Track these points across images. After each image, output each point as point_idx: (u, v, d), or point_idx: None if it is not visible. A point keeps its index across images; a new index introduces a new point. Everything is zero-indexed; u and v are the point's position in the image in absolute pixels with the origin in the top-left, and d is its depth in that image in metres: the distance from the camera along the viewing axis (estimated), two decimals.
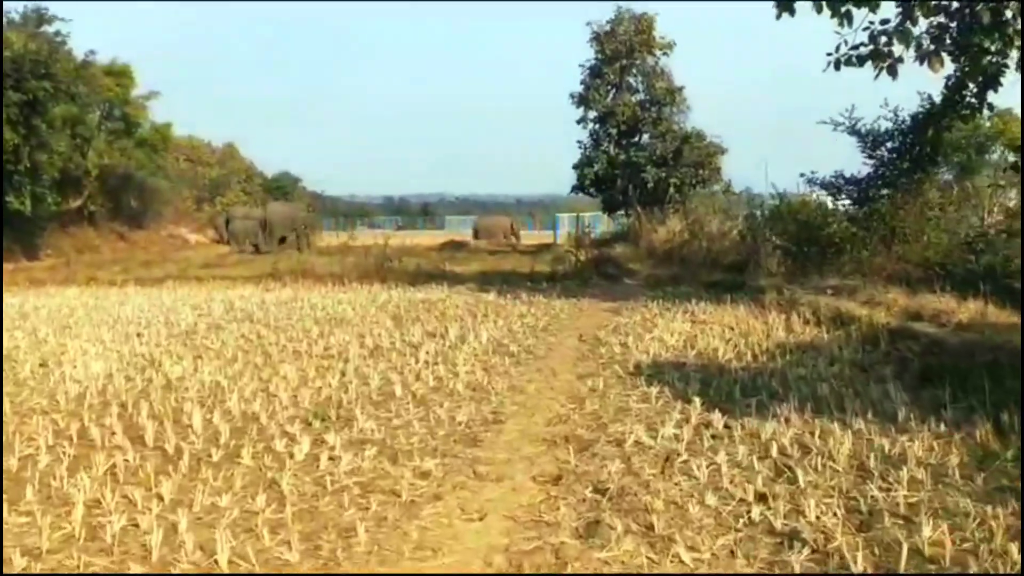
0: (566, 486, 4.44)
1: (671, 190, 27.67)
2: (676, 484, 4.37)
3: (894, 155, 13.52)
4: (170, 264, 24.83)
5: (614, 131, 29.22)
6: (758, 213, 17.17)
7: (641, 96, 29.66)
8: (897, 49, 9.98)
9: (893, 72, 9.90)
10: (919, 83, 13.31)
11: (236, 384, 7.29)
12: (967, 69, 10.18)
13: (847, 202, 14.68)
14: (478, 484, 4.56)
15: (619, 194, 29.62)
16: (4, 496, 4.35)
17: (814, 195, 15.72)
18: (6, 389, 7.09)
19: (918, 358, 6.87)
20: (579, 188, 31.20)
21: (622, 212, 31.38)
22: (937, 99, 12.49)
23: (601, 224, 39.42)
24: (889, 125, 13.88)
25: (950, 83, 11.81)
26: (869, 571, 3.29)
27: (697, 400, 6.05)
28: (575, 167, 30.75)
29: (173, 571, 3.54)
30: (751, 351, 8.07)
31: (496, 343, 9.23)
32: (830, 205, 15.66)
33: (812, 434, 5.11)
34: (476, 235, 38.54)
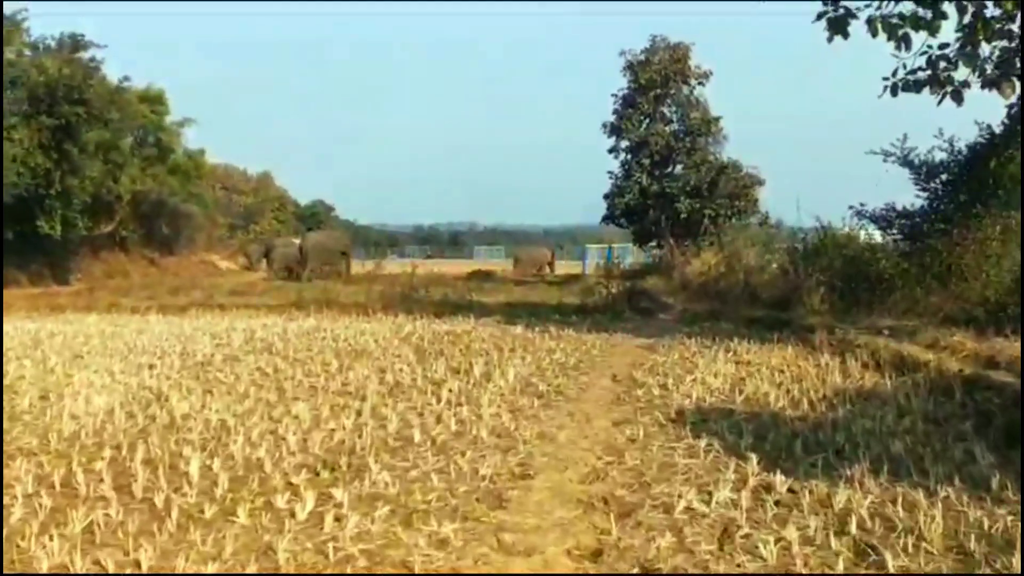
0: (607, 564, 3.78)
1: (705, 221, 26.97)
2: (739, 566, 3.69)
3: (949, 188, 12.76)
4: (197, 291, 24.50)
5: (647, 161, 28.63)
6: (800, 247, 16.40)
7: (675, 126, 29.09)
8: (961, 73, 9.34)
9: (958, 98, 9.24)
10: (975, 112, 12.61)
11: (244, 424, 6.72)
12: None
13: (898, 236, 13.90)
14: (503, 558, 3.91)
15: (651, 225, 28.97)
16: None
17: (861, 229, 14.94)
18: None
19: (1001, 412, 6.12)
20: (610, 218, 30.61)
21: (654, 244, 30.71)
22: (997, 129, 11.78)
23: (630, 255, 38.75)
24: (944, 156, 13.15)
25: (1012, 111, 11.07)
26: None
27: (753, 457, 5.35)
28: (606, 197, 30.19)
29: None
30: (806, 398, 7.35)
31: (524, 382, 8.58)
32: (878, 239, 14.88)
33: (894, 503, 4.40)
34: (516, 264, 38.35)
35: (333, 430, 6.50)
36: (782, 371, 8.90)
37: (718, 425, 6.51)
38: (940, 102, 9.46)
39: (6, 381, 8.79)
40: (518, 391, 8.03)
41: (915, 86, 10.16)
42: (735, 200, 27.14)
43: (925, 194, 13.53)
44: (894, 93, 10.05)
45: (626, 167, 29.69)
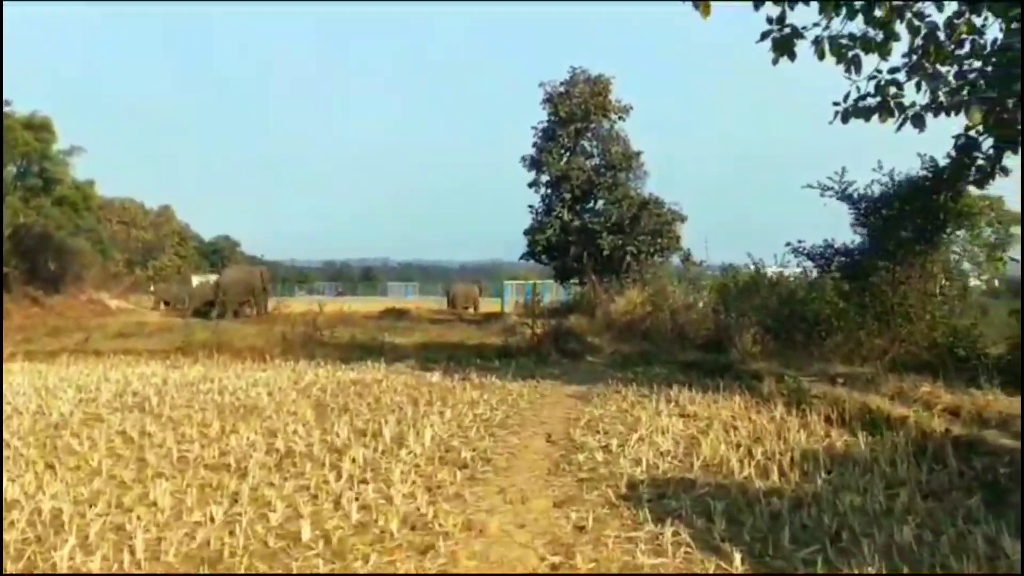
0: None
1: (628, 258, 26.20)
2: None
3: (891, 223, 12.12)
4: (80, 333, 22.24)
5: (568, 196, 27.77)
6: (731, 285, 15.63)
7: (596, 160, 28.37)
8: (911, 97, 8.62)
9: (920, 123, 8.48)
10: (914, 144, 12.07)
11: (83, 516, 5.22)
12: (991, 123, 8.80)
13: (837, 275, 13.19)
14: None
15: (572, 261, 28.03)
16: None
17: (798, 267, 14.24)
18: None
19: (1013, 484, 5.15)
20: (530, 255, 29.56)
21: (575, 280, 29.80)
22: (942, 161, 11.19)
23: (550, 293, 37.88)
24: (884, 190, 12.51)
25: (959, 143, 10.46)
26: None
27: (735, 553, 4.19)
28: (526, 232, 29.18)
29: None
30: (773, 464, 6.26)
31: (443, 445, 7.26)
32: (812, 275, 14.18)
33: None
34: (451, 302, 37.16)
35: (198, 524, 5.06)
36: (735, 427, 7.82)
37: (680, 503, 5.35)
38: (899, 128, 8.68)
39: None
40: (437, 459, 6.71)
41: (865, 112, 9.43)
42: (657, 237, 26.49)
43: (865, 230, 12.88)
44: (844, 120, 9.25)
45: (547, 202, 28.80)
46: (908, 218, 11.93)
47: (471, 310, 35.97)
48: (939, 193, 11.21)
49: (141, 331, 22.41)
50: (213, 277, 36.80)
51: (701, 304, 18.05)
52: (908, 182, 12.07)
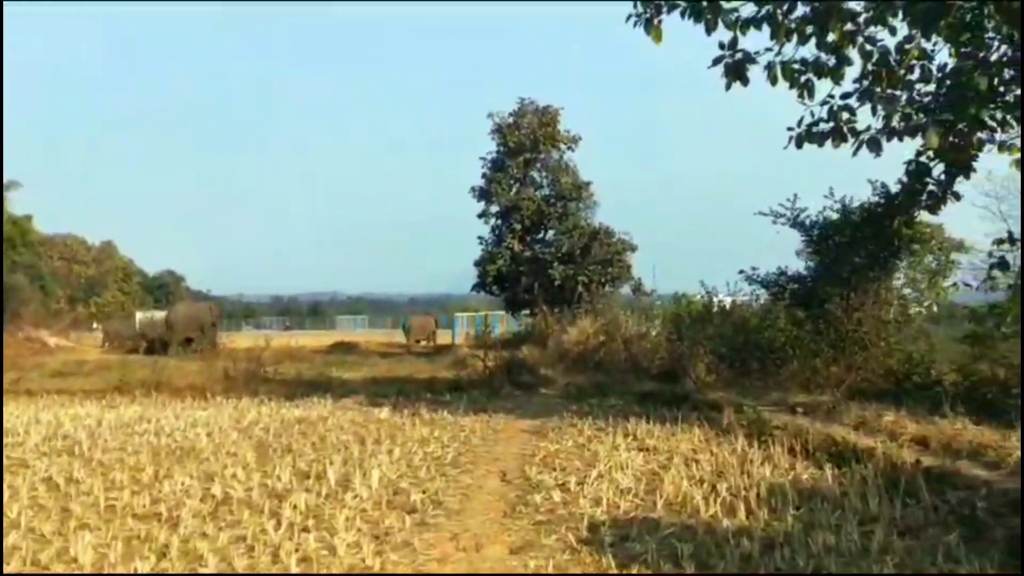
0: None
1: (579, 288, 26.02)
2: None
3: (844, 250, 12.07)
4: (14, 372, 21.18)
5: (518, 226, 27.55)
6: (684, 315, 15.48)
7: (546, 191, 28.24)
8: (872, 122, 8.57)
9: (877, 147, 8.43)
10: (869, 171, 12.08)
11: None
12: (945, 148, 8.79)
13: (791, 303, 13.09)
14: None
15: (523, 292, 27.76)
16: None
17: (753, 295, 14.13)
18: None
19: (993, 519, 4.93)
20: (481, 286, 29.20)
21: (526, 311, 29.51)
22: (894, 187, 11.20)
23: (501, 324, 37.55)
24: (837, 216, 12.51)
25: (911, 168, 10.49)
26: None
27: None
28: (477, 263, 28.85)
29: None
30: (740, 500, 5.98)
31: (391, 487, 6.85)
32: (766, 303, 14.08)
33: None
34: (408, 334, 36.40)
35: None
36: (696, 461, 7.55)
37: (645, 546, 5.03)
38: (855, 152, 8.62)
39: None
40: (384, 503, 6.29)
41: (819, 137, 9.38)
42: (608, 266, 26.37)
43: (818, 257, 12.83)
44: (799, 145, 9.20)
45: (497, 233, 28.53)
46: (861, 244, 11.92)
47: (428, 342, 35.36)
48: (892, 219, 11.21)
49: (80, 370, 21.40)
50: (158, 313, 36.24)
51: (654, 333, 17.90)
52: (860, 209, 12.07)
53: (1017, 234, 8.63)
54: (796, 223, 12.79)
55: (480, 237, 29.00)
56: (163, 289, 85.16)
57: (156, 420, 11.59)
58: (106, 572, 3.66)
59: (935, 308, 12.64)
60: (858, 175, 12.73)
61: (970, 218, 12.28)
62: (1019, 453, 5.96)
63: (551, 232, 27.95)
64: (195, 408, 13.16)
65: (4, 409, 13.56)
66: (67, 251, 71.41)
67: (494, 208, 28.40)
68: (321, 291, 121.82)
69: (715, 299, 15.19)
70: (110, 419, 11.92)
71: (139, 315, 49.46)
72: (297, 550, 5.10)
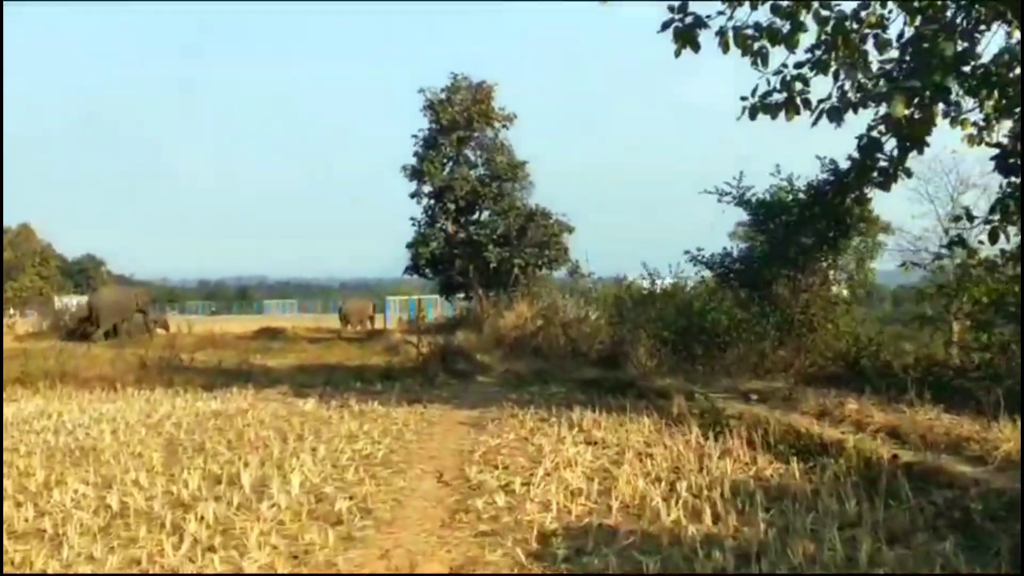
0: None
1: (515, 271, 25.42)
2: None
3: (791, 230, 11.66)
4: None
5: (452, 207, 26.80)
6: (626, 297, 14.99)
7: (481, 171, 27.52)
8: (831, 91, 8.10)
9: (837, 117, 7.96)
10: (815, 148, 11.66)
11: None
12: (904, 120, 8.35)
13: (736, 284, 12.66)
14: None
15: (458, 275, 27.05)
16: None
17: (696, 275, 13.69)
18: None
19: (993, 524, 4.44)
20: (414, 269, 28.36)
21: (461, 295, 28.81)
22: (844, 164, 10.80)
23: (434, 308, 36.78)
24: (783, 195, 12.09)
25: (862, 143, 10.08)
26: None
27: None
28: (409, 246, 28.00)
29: None
30: (702, 501, 5.42)
31: (314, 493, 6.08)
32: (710, 285, 13.65)
33: None
34: (345, 320, 35.03)
35: None
36: (650, 455, 6.97)
37: (603, 560, 4.41)
38: (815, 123, 8.14)
39: None
40: (305, 513, 5.52)
41: (772, 109, 8.89)
42: (545, 249, 25.83)
43: (764, 237, 12.41)
44: (752, 116, 8.69)
45: (430, 213, 27.72)
46: (809, 224, 11.53)
47: (365, 327, 34.24)
48: (842, 196, 10.83)
49: None
50: (76, 299, 34.30)
51: (594, 317, 17.42)
52: (808, 187, 11.67)
53: (977, 211, 8.30)
54: (742, 201, 12.34)
55: (412, 218, 28.20)
56: (83, 274, 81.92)
57: (58, 415, 10.57)
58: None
59: (861, 291, 12.38)
60: (804, 154, 12.39)
61: (895, 200, 12.02)
62: (1005, 447, 5.53)
63: (486, 213, 27.29)
64: (104, 401, 12.12)
65: None
66: None
67: (427, 188, 27.58)
68: (249, 275, 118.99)
69: (657, 281, 14.72)
70: (8, 414, 10.83)
71: (58, 300, 47.15)
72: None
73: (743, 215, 12.65)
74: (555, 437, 8.08)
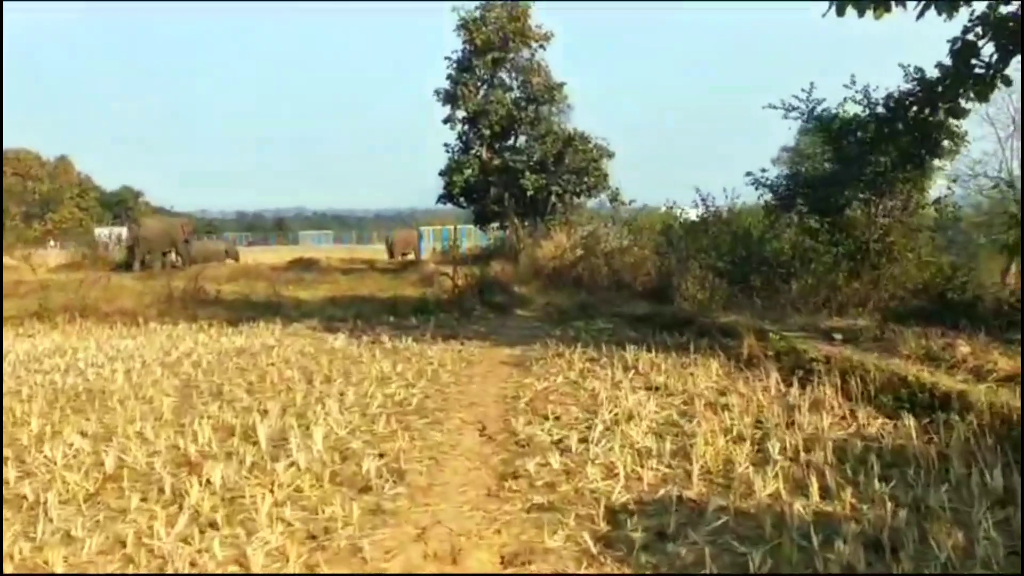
0: None
1: (552, 199, 24.29)
2: None
3: (867, 149, 10.39)
4: None
5: (487, 132, 25.56)
6: (677, 225, 13.88)
7: (516, 93, 26.14)
8: None
9: (949, 7, 6.75)
10: (892, 56, 10.30)
11: None
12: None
13: (804, 210, 11.48)
14: None
15: (493, 204, 25.97)
16: None
17: (760, 201, 12.48)
18: None
19: None
20: (447, 198, 27.30)
21: (496, 224, 27.77)
22: (933, 73, 9.45)
23: (468, 238, 35.90)
24: (859, 109, 10.80)
25: (955, 47, 8.80)
26: None
27: None
28: (442, 173, 26.92)
29: None
30: (801, 468, 4.50)
31: (339, 449, 5.26)
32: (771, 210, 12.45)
33: None
34: (390, 250, 35.01)
35: None
36: (725, 406, 6.04)
37: (693, 549, 3.53)
38: (921, 14, 6.94)
39: None
40: (327, 476, 4.70)
41: (862, 2, 7.67)
42: (583, 175, 24.59)
43: (837, 156, 11.13)
44: (840, 11, 7.50)
45: (464, 139, 26.52)
46: (889, 140, 10.26)
47: (411, 256, 34.03)
48: (932, 108, 9.55)
49: (15, 291, 19.32)
50: (115, 229, 34.26)
51: (636, 248, 16.36)
52: (889, 98, 10.35)
53: None
54: (812, 117, 11.06)
55: (446, 144, 27.05)
56: (121, 205, 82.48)
57: (72, 352, 9.90)
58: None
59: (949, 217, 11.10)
60: (883, 67, 11.01)
61: None
62: None
63: (522, 139, 26.04)
64: (125, 336, 11.46)
65: None
66: (20, 166, 68.51)
67: (460, 113, 26.35)
68: (286, 207, 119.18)
69: (710, 208, 13.58)
70: (22, 350, 10.24)
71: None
72: (193, 564, 3.52)
73: (788, 139, 11.41)
74: (609, 381, 7.19)
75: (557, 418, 6.01)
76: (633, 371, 7.61)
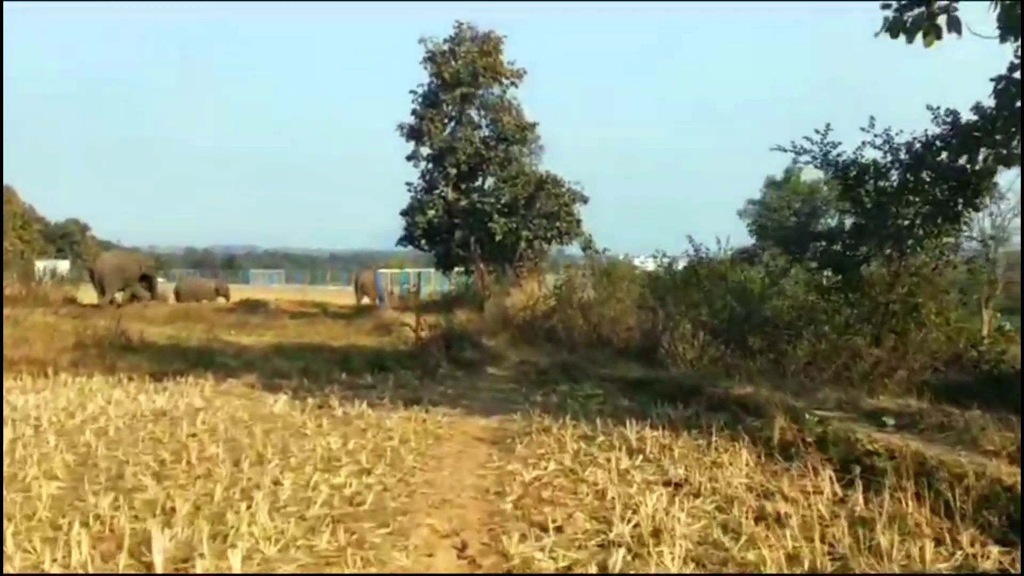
0: None
1: (522, 244, 23.00)
2: None
3: (889, 198, 9.22)
4: None
5: (453, 171, 24.28)
6: (665, 276, 12.63)
7: (485, 132, 24.96)
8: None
9: (957, 27, 5.68)
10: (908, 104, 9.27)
11: None
12: None
13: (814, 266, 10.30)
14: None
15: (458, 247, 24.58)
16: None
17: (765, 254, 11.31)
18: None
19: None
20: (408, 239, 25.83)
21: (460, 269, 26.35)
22: (968, 117, 8.33)
23: (428, 283, 34.47)
24: (878, 155, 9.65)
25: (999, 87, 7.70)
26: None
27: None
28: (404, 213, 25.51)
29: None
30: None
31: None
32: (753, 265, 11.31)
33: None
34: (360, 291, 33.46)
35: None
36: (778, 519, 4.66)
37: None
38: (1003, 40, 5.80)
39: None
40: None
41: (909, 29, 6.55)
42: (555, 220, 23.38)
43: (853, 207, 9.99)
44: (893, 33, 6.36)
45: (428, 178, 25.18)
46: (915, 190, 9.14)
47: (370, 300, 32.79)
48: (971, 154, 8.46)
49: None
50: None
51: (615, 300, 15.08)
52: (915, 143, 9.23)
53: None
54: (827, 162, 9.94)
55: (408, 183, 25.65)
56: (66, 238, 79.76)
57: None
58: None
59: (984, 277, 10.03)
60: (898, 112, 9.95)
61: None
62: None
63: (491, 179, 24.79)
64: (28, 390, 9.74)
65: None
66: None
67: (425, 150, 25.03)
68: (237, 244, 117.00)
69: (703, 258, 12.36)
70: None
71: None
72: None
73: (754, 192, 10.30)
74: (614, 470, 5.77)
75: (559, 529, 4.57)
76: (640, 456, 6.20)
